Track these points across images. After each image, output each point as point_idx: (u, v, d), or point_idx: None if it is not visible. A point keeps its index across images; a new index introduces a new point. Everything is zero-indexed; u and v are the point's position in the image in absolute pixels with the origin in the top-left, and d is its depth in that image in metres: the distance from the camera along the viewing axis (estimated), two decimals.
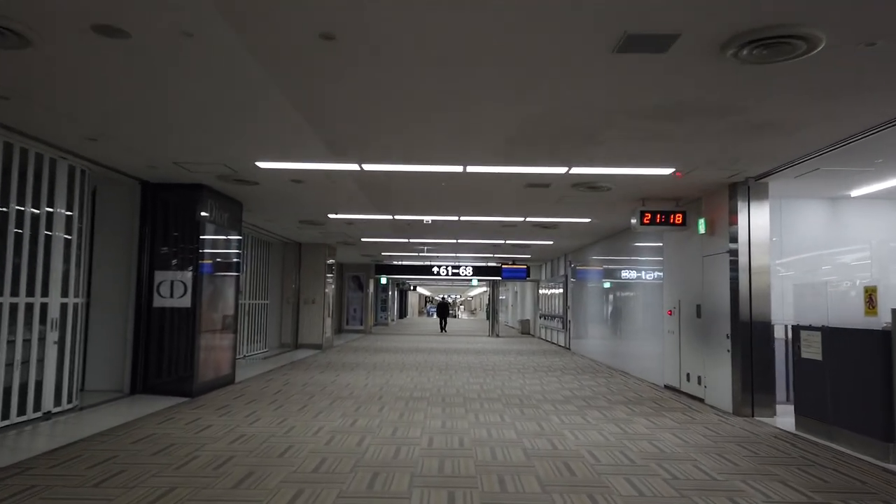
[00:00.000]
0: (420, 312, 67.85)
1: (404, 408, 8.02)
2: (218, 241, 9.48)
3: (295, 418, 7.20)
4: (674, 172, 7.53)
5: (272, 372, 11.72)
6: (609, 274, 14.30)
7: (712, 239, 8.70)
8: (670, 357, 10.18)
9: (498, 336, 25.35)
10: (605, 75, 4.46)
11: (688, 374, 9.43)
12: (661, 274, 10.75)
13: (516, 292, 34.33)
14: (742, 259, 7.96)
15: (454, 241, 16.05)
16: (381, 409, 7.94)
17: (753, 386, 7.82)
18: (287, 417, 7.24)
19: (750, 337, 7.87)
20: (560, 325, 20.06)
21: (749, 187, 8.00)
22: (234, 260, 10.13)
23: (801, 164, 6.93)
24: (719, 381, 8.34)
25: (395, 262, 24.11)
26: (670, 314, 10.21)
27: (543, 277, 24.18)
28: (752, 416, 7.77)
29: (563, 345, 19.76)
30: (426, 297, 75.54)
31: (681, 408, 8.38)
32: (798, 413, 6.99)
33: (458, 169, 7.49)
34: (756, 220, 7.99)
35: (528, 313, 28.90)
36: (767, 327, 7.90)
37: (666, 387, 10.34)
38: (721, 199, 8.44)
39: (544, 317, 23.14)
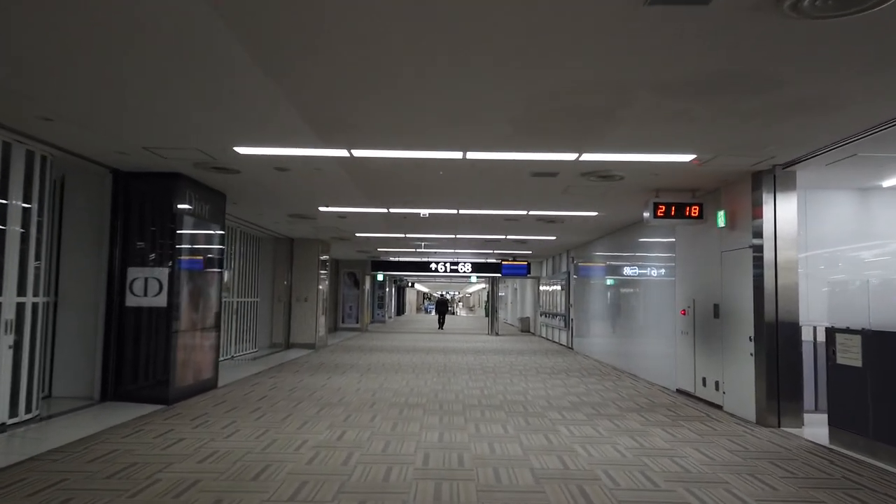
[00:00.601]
0: (418, 309, 67.20)
1: (398, 417, 7.35)
2: (198, 235, 8.79)
3: (277, 430, 6.52)
4: (693, 160, 6.86)
5: (260, 375, 11.05)
6: (615, 271, 13.64)
7: (732, 233, 8.03)
8: (684, 360, 9.52)
9: (497, 334, 24.70)
10: (630, 37, 3.78)
11: (703, 379, 8.77)
12: (672, 271, 10.09)
13: (516, 289, 33.68)
14: (767, 255, 7.29)
15: (452, 236, 15.38)
16: (372, 418, 7.27)
17: (780, 393, 7.16)
18: (269, 429, 6.57)
19: (776, 339, 7.20)
20: (562, 324, 19.41)
21: (775, 176, 7.33)
22: (217, 255, 9.45)
23: (837, 149, 6.26)
24: (740, 386, 7.68)
25: (392, 259, 23.43)
26: (684, 314, 9.55)
27: (544, 274, 23.52)
28: (779, 426, 7.11)
29: (565, 344, 19.12)
30: (424, 293, 74.90)
31: (699, 416, 7.72)
32: (832, 425, 6.33)
33: (457, 155, 6.81)
34: (783, 213, 7.32)
35: (528, 311, 28.25)
36: (795, 329, 7.24)
37: (678, 391, 9.69)
38: (743, 190, 7.77)
39: (545, 315, 22.49)
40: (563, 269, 19.73)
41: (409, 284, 55.82)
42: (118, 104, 5.31)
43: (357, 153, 6.78)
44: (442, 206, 10.52)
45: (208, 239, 9.15)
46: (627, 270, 12.69)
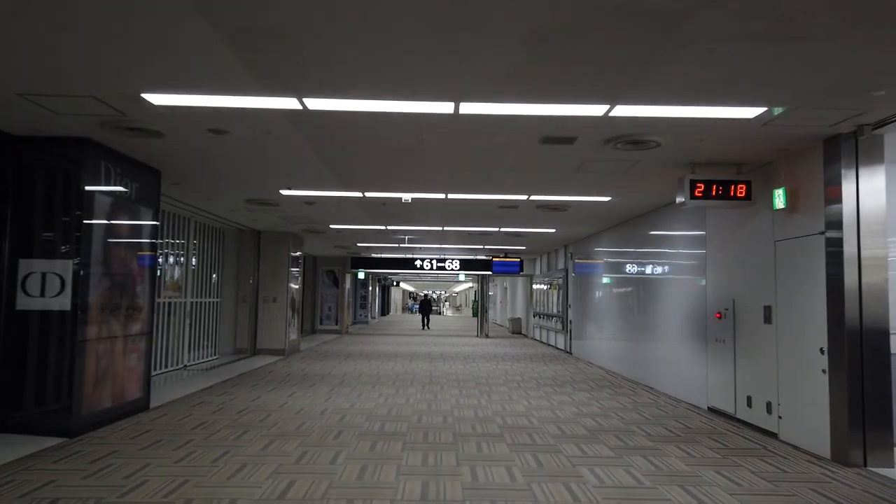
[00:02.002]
0: (404, 309, 65.39)
1: (369, 455, 5.62)
2: (119, 220, 6.99)
3: (199, 480, 4.76)
4: (758, 115, 5.19)
5: (209, 390, 9.24)
6: (624, 267, 11.98)
7: (794, 217, 6.38)
8: (719, 373, 7.87)
9: (487, 336, 23.01)
10: None
11: (749, 398, 7.13)
12: (700, 267, 8.44)
13: (506, 288, 32.02)
14: (848, 247, 5.63)
15: (440, 228, 13.64)
16: (334, 457, 5.52)
17: (865, 421, 5.52)
18: (188, 478, 4.80)
19: (860, 352, 5.56)
20: (558, 326, 17.76)
21: (857, 142, 5.68)
22: (149, 246, 7.64)
23: None
24: (807, 411, 6.03)
25: (374, 255, 21.66)
26: (719, 318, 7.89)
27: (538, 272, 21.87)
28: (864, 464, 5.47)
29: (562, 348, 17.46)
30: (411, 293, 73.12)
31: (752, 449, 6.06)
32: None
33: (447, 108, 5.08)
34: (868, 192, 5.67)
35: (519, 311, 26.59)
36: (884, 339, 5.60)
37: (711, 410, 8.05)
38: (811, 162, 6.12)
39: (539, 316, 20.84)
40: (560, 266, 18.07)
41: (395, 283, 54.03)
42: None
43: (311, 104, 5.03)
44: (427, 188, 8.79)
45: (135, 225, 7.34)
46: (640, 267, 11.03)
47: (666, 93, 4.66)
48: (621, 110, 5.07)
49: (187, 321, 12.00)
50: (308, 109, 5.17)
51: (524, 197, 9.36)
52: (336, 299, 23.50)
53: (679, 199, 6.98)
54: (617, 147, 6.19)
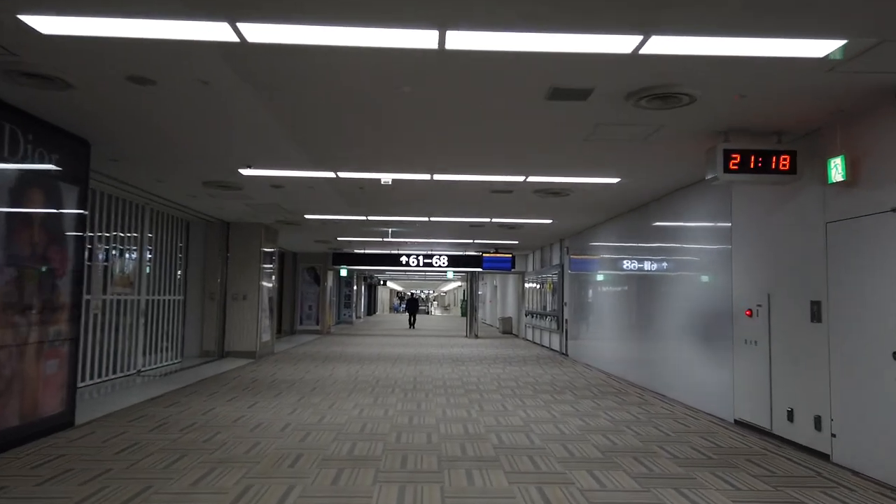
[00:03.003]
0: (391, 309, 64.07)
1: (330, 491, 4.41)
2: (28, 200, 5.73)
3: None
4: (828, 54, 4.04)
5: (157, 400, 7.98)
6: (629, 262, 10.85)
7: (854, 193, 5.25)
8: (749, 380, 6.74)
9: (477, 337, 21.83)
10: None
11: (789, 411, 5.99)
12: (723, 257, 7.32)
13: (496, 286, 30.87)
14: None
15: (426, 219, 12.44)
16: (283, 496, 4.31)
17: None
18: None
19: None
20: (553, 325, 16.62)
21: None
22: (73, 233, 6.38)
23: None
24: (872, 429, 4.90)
25: (357, 251, 20.41)
26: (750, 315, 6.76)
27: (531, 269, 20.73)
28: None
29: (557, 349, 16.31)
30: (398, 292, 71.86)
31: (806, 476, 4.93)
32: None
33: (430, 40, 3.89)
34: None
35: (510, 310, 25.44)
36: None
37: (739, 423, 6.92)
38: (882, 121, 4.99)
39: (532, 315, 19.69)
40: (555, 261, 16.93)
41: (381, 282, 52.74)
42: None
43: (249, 33, 3.82)
44: (410, 166, 7.59)
45: (54, 207, 6.08)
46: (648, 261, 9.89)
47: (719, 14, 3.50)
48: (656, 45, 3.90)
49: (142, 321, 10.71)
50: (247, 42, 3.95)
51: (521, 178, 8.18)
52: (317, 298, 22.23)
53: (709, 175, 5.83)
54: (640, 104, 5.02)
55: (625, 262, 11.03)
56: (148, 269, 10.99)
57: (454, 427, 6.63)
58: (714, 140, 6.02)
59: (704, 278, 7.90)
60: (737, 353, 7.03)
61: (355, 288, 32.46)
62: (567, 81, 4.60)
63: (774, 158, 5.68)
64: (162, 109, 5.45)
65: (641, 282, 10.16)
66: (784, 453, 5.67)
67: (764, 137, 5.94)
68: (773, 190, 6.36)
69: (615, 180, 8.21)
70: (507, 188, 8.88)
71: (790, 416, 5.99)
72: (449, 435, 6.24)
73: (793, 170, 5.68)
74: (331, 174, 8.09)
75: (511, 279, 25.10)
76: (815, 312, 5.66)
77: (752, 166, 5.67)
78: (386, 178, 8.33)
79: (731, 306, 7.19)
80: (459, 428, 6.58)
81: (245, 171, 8.01)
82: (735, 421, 7.02)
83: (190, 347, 13.26)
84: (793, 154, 5.69)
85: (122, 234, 10.03)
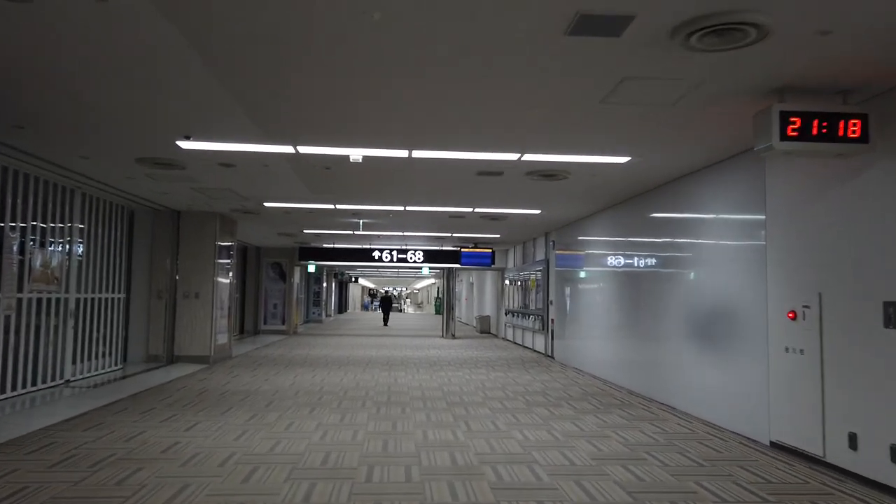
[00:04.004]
0: (362, 307, 62.47)
1: None
2: None
3: None
4: None
5: (75, 421, 6.57)
6: (628, 257, 9.72)
7: None
8: (792, 396, 5.63)
9: (454, 337, 20.61)
10: None
11: (852, 436, 4.88)
12: (755, 246, 6.20)
13: (472, 283, 29.68)
14: None
15: (401, 207, 11.16)
16: None
17: None
18: None
19: None
20: (537, 325, 15.47)
21: None
22: None
23: None
24: None
25: (326, 245, 19.02)
26: (793, 318, 5.64)
27: (511, 265, 19.57)
28: None
29: (542, 351, 15.17)
30: (370, 289, 70.31)
31: None
32: None
33: None
34: None
35: (488, 309, 24.28)
36: None
37: (775, 445, 5.81)
38: None
39: (513, 314, 18.53)
40: (539, 256, 15.79)
41: (353, 280, 51.22)
42: None
43: None
44: (384, 138, 6.30)
45: None
46: (651, 256, 8.77)
47: None
48: None
49: (71, 323, 9.23)
50: None
51: (514, 157, 6.96)
52: (283, 295, 20.76)
53: (760, 146, 4.67)
54: (689, 43, 3.82)
55: (623, 257, 9.90)
56: (80, 264, 9.50)
57: (439, 456, 5.38)
58: (761, 102, 4.87)
59: (726, 274, 6.77)
60: (774, 363, 5.91)
61: (325, 285, 30.98)
62: (600, 5, 3.38)
63: (842, 123, 4.54)
64: (49, 40, 4.08)
65: (644, 279, 9.02)
66: (851, 490, 4.55)
67: (825, 98, 4.81)
68: (828, 167, 5.23)
69: (624, 160, 7.04)
70: (496, 169, 7.65)
71: (853, 441, 4.88)
72: (433, 468, 4.99)
73: (864, 137, 4.56)
74: (289, 148, 6.76)
75: (489, 276, 23.93)
76: (892, 316, 4.54)
77: (814, 133, 4.53)
78: (355, 155, 7.03)
79: (764, 308, 6.07)
80: (445, 458, 5.33)
81: (184, 144, 6.63)
82: (771, 443, 5.91)
83: (134, 352, 11.80)
84: (864, 118, 4.56)
85: (45, 224, 8.53)
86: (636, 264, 9.36)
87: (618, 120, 5.52)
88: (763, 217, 6.14)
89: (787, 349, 5.72)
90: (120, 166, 7.83)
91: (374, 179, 8.45)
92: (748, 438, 6.19)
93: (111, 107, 5.39)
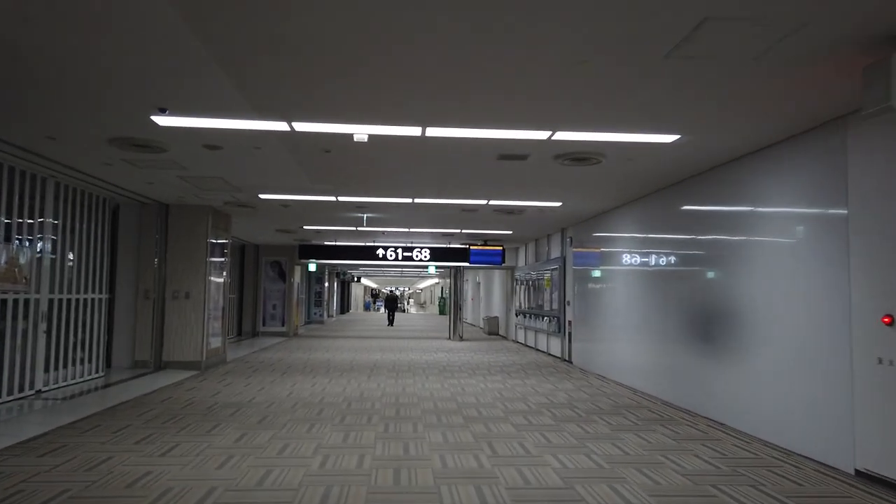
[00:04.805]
0: (364, 307, 61.48)
1: None
2: None
3: None
4: None
5: (34, 443, 5.63)
6: (662, 253, 8.75)
7: None
8: (884, 415, 4.67)
9: (462, 338, 19.66)
10: None
11: None
12: (835, 237, 5.24)
13: (479, 283, 28.73)
14: None
15: (410, 200, 10.20)
16: None
17: None
18: None
19: None
20: (553, 328, 14.50)
21: None
22: None
23: None
24: None
25: (327, 243, 18.08)
26: (889, 323, 4.68)
27: (523, 263, 18.61)
28: None
29: (558, 355, 14.20)
30: (372, 289, 69.40)
31: None
32: None
33: None
34: None
35: (496, 309, 23.32)
36: None
37: (862, 474, 4.85)
38: None
39: (524, 314, 17.57)
40: (554, 254, 14.82)
41: (355, 279, 50.30)
42: None
43: None
44: (394, 113, 5.35)
45: None
46: (687, 252, 7.80)
47: None
48: None
49: (43, 326, 8.29)
50: None
51: (544, 135, 6.01)
52: (283, 295, 19.82)
53: (872, 107, 3.75)
54: None
55: (655, 254, 8.93)
56: (53, 261, 8.55)
57: (463, 492, 4.42)
58: (873, 53, 3.90)
59: (791, 276, 5.80)
60: (860, 378, 4.94)
61: (327, 285, 30.07)
62: None
63: None
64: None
65: (682, 280, 8.05)
66: None
67: None
68: None
69: (671, 139, 6.08)
70: (521, 151, 6.69)
71: None
72: None
73: None
74: (283, 125, 5.81)
75: (497, 275, 22.97)
76: None
77: None
78: (360, 134, 6.08)
79: (847, 313, 5.10)
80: (471, 494, 4.38)
81: (160, 120, 5.68)
82: (857, 472, 4.94)
83: (120, 357, 10.89)
84: None
85: (11, 217, 7.59)
86: (672, 263, 8.39)
87: (677, 83, 4.56)
88: (844, 211, 5.16)
89: (879, 361, 4.76)
90: (92, 149, 6.88)
91: (380, 166, 7.50)
92: (826, 465, 5.23)
93: (62, 64, 4.44)
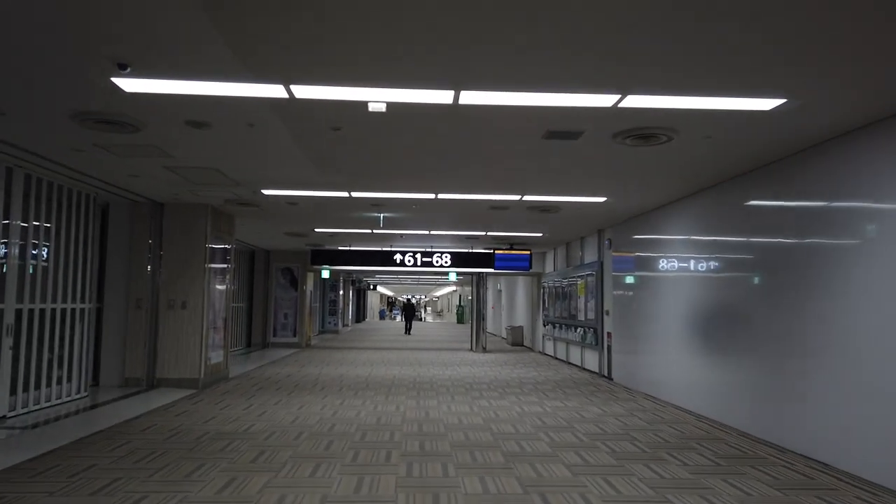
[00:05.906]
0: (380, 316, 60.30)
1: None
2: None
3: None
4: None
5: None
6: (726, 258, 7.40)
7: None
8: None
9: (485, 350, 18.35)
10: None
11: None
12: None
13: (500, 290, 27.38)
14: None
15: (432, 196, 8.95)
16: None
17: None
18: None
19: None
20: (590, 340, 13.14)
21: None
22: None
23: None
24: None
25: (341, 248, 16.88)
26: None
27: (551, 269, 17.27)
28: None
29: (595, 370, 12.83)
30: (387, 297, 68.28)
31: None
32: None
33: None
34: None
35: (520, 318, 21.97)
36: None
37: None
38: None
39: (554, 325, 16.21)
40: (591, 258, 13.48)
41: (371, 287, 49.13)
42: None
43: None
44: (417, 71, 4.11)
45: None
46: (761, 256, 6.44)
47: None
48: None
49: (9, 342, 7.13)
50: None
51: (609, 101, 4.73)
52: (295, 304, 18.64)
53: None
54: None
55: (716, 260, 7.57)
56: (20, 267, 7.40)
57: None
58: None
59: None
60: None
61: (342, 292, 28.91)
62: None
63: None
64: None
65: (756, 286, 6.69)
66: None
67: None
68: None
69: (774, 103, 4.76)
70: (575, 127, 5.41)
71: None
72: None
73: None
74: (280, 91, 4.59)
75: (521, 282, 21.64)
76: None
77: None
78: (376, 102, 4.85)
79: None
80: None
81: (123, 83, 4.48)
82: None
83: (109, 374, 9.75)
84: None
85: None
86: (735, 269, 7.03)
87: (801, 22, 3.27)
88: None
89: None
90: (53, 127, 5.71)
91: (399, 150, 6.26)
92: None
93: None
